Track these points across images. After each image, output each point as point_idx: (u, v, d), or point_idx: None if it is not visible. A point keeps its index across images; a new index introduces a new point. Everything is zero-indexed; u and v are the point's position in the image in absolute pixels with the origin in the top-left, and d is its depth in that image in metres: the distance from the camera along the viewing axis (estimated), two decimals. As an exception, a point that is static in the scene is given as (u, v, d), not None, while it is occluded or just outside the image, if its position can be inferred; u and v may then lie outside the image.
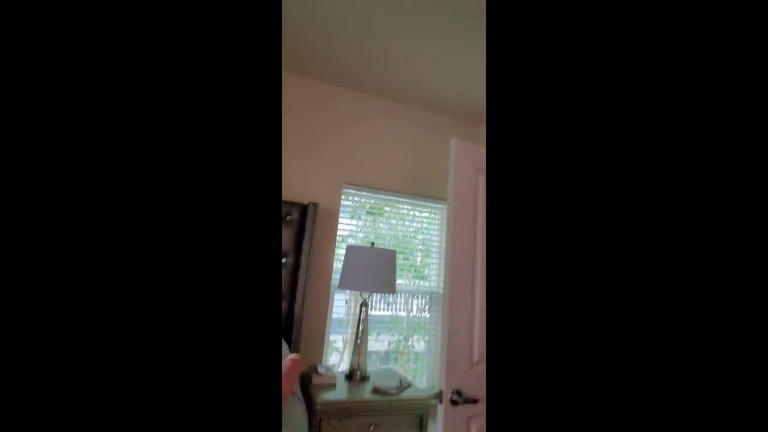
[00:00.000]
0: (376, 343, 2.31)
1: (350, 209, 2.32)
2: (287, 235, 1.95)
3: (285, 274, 1.91)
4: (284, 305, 1.90)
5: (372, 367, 2.27)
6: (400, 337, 2.36)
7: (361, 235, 2.31)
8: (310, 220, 1.95)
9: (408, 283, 2.40)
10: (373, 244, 1.96)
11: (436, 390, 2.31)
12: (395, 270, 1.95)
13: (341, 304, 2.22)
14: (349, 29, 1.72)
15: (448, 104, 2.39)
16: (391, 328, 2.34)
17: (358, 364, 1.91)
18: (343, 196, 2.26)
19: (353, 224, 2.30)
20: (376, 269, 1.85)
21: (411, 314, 2.38)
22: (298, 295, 1.88)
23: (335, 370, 2.11)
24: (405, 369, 2.35)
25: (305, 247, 1.92)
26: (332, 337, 2.19)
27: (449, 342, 1.29)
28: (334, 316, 2.20)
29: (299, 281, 1.90)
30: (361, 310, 1.95)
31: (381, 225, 2.38)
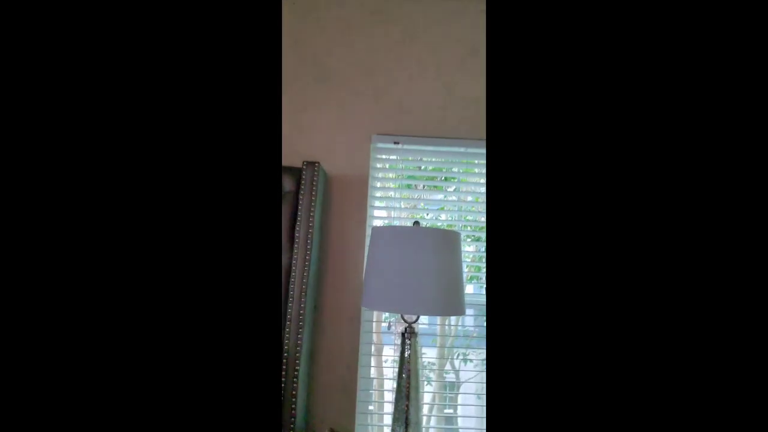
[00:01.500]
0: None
1: (399, 176, 1.47)
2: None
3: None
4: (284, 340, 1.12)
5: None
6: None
7: (429, 216, 1.44)
8: (306, 191, 1.15)
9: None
10: (417, 222, 1.08)
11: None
12: (461, 267, 1.04)
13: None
14: None
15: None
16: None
17: (406, 441, 1.04)
18: (377, 155, 1.43)
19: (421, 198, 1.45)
20: (426, 269, 0.97)
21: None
22: (291, 316, 1.09)
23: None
24: None
25: (299, 235, 1.12)
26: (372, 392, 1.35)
27: None
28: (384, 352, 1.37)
29: (291, 294, 1.10)
30: (403, 344, 1.07)
31: (451, 197, 1.49)
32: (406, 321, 1.08)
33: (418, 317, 1.07)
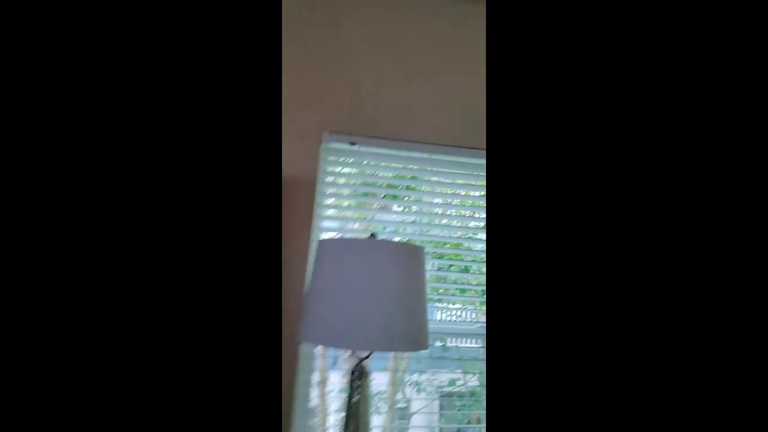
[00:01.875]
0: None
1: (354, 182, 1.28)
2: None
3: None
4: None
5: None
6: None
7: (387, 230, 1.25)
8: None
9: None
10: (373, 235, 0.89)
11: None
12: (425, 290, 0.86)
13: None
14: None
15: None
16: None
17: None
18: (329, 156, 1.23)
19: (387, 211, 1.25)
20: (382, 291, 0.78)
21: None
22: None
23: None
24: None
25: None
26: None
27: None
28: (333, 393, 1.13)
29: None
30: (352, 388, 0.86)
31: (413, 208, 1.32)
32: (356, 356, 0.88)
33: (369, 354, 0.87)
